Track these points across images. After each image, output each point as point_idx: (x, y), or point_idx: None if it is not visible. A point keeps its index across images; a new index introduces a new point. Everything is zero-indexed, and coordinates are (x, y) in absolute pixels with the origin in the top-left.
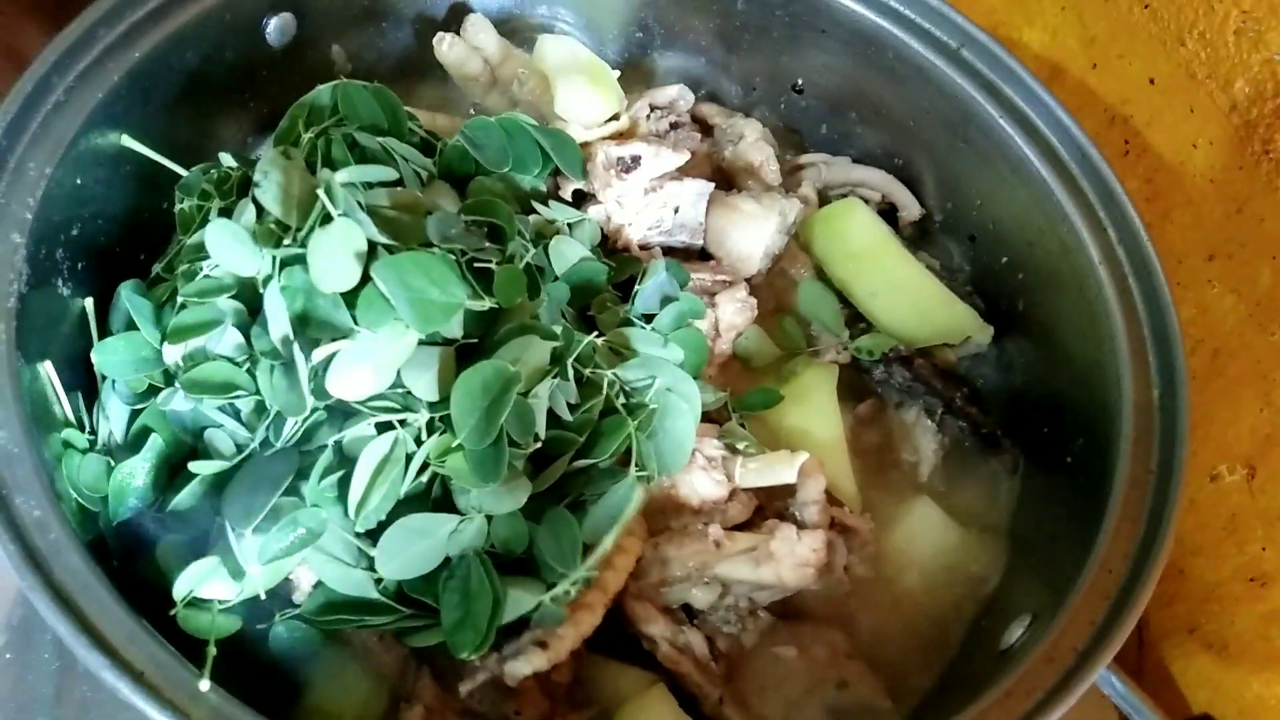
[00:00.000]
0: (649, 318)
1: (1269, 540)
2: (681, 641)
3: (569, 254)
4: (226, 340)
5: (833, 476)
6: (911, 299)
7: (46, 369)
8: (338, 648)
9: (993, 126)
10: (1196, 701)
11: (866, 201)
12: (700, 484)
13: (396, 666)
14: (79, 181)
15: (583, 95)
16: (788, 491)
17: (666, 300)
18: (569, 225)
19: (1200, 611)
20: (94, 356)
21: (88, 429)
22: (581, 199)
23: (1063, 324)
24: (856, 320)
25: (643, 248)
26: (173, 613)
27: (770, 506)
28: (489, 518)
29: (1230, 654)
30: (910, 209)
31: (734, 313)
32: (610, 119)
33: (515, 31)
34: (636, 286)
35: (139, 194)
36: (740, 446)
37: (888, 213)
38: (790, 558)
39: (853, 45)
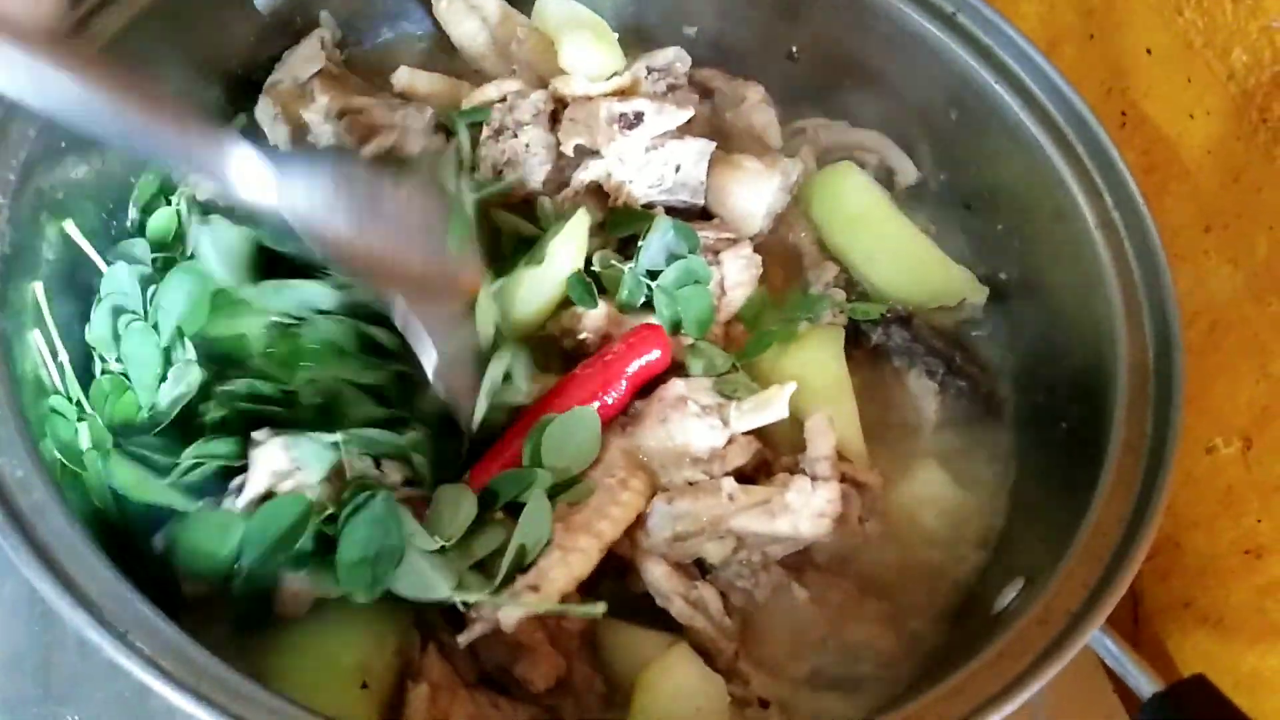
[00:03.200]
0: (653, 275)
1: (1265, 512)
2: (695, 597)
3: None
4: None
5: (841, 434)
6: (907, 261)
7: (35, 337)
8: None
9: (988, 92)
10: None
11: (863, 166)
12: (696, 432)
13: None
14: (63, 145)
15: (588, 49)
16: (797, 448)
17: (672, 258)
18: None
19: (1196, 585)
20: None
21: (74, 398)
22: (583, 154)
23: (1059, 290)
24: (853, 284)
25: (644, 206)
26: None
27: (779, 463)
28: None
29: (1225, 627)
30: (906, 173)
31: (739, 270)
32: (611, 76)
33: None
34: (640, 242)
35: (123, 158)
36: (730, 392)
37: (884, 177)
38: (806, 509)
39: (847, 11)
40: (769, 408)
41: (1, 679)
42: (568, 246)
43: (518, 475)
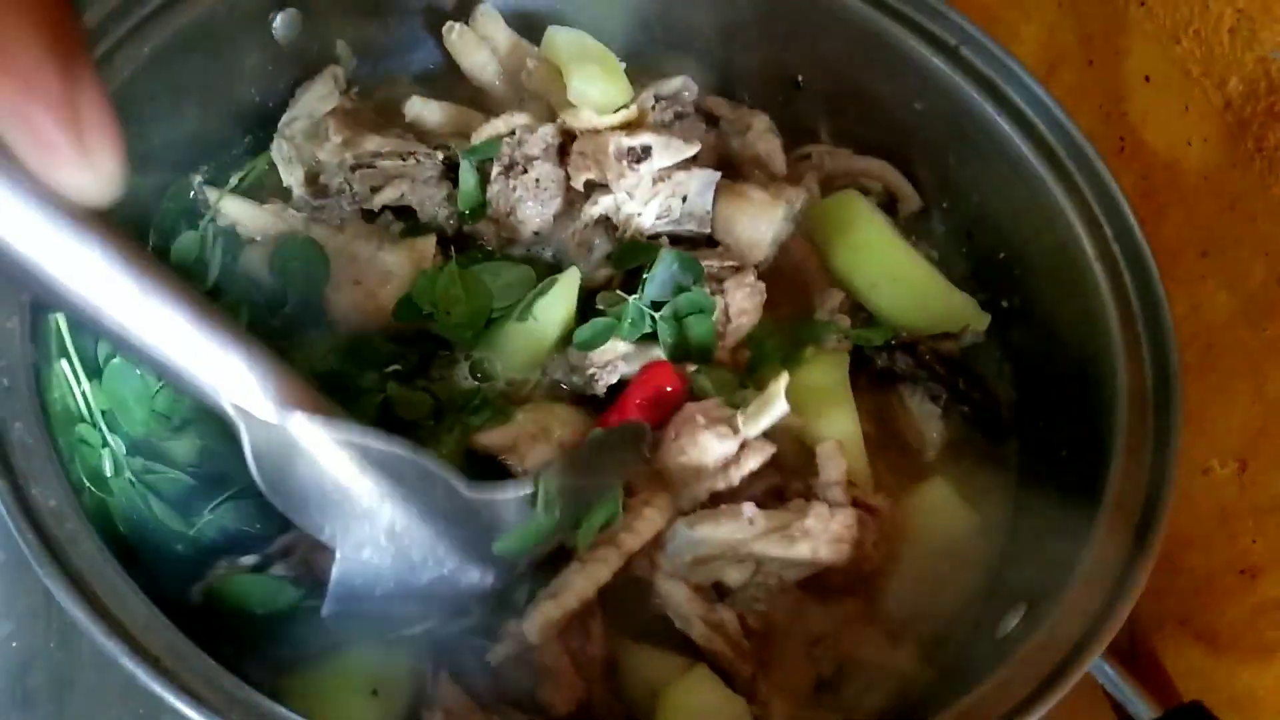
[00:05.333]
0: (658, 306)
1: (1259, 533)
2: (715, 620)
3: None
4: None
5: (848, 460)
6: (910, 289)
7: (63, 366)
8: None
9: (990, 124)
10: (1188, 691)
11: (867, 193)
12: (707, 443)
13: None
14: None
15: (595, 82)
16: (809, 474)
17: (677, 289)
18: None
19: (1192, 603)
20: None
21: (99, 425)
22: (593, 188)
23: (1059, 319)
24: (857, 310)
25: (651, 237)
26: None
27: (790, 488)
28: None
29: (1221, 645)
30: (910, 200)
31: (744, 298)
32: (619, 109)
33: (523, 24)
34: (645, 274)
35: (144, 188)
36: (738, 403)
37: (888, 205)
38: (825, 534)
39: (853, 42)
40: (771, 405)
41: (17, 694)
42: (556, 307)
43: None
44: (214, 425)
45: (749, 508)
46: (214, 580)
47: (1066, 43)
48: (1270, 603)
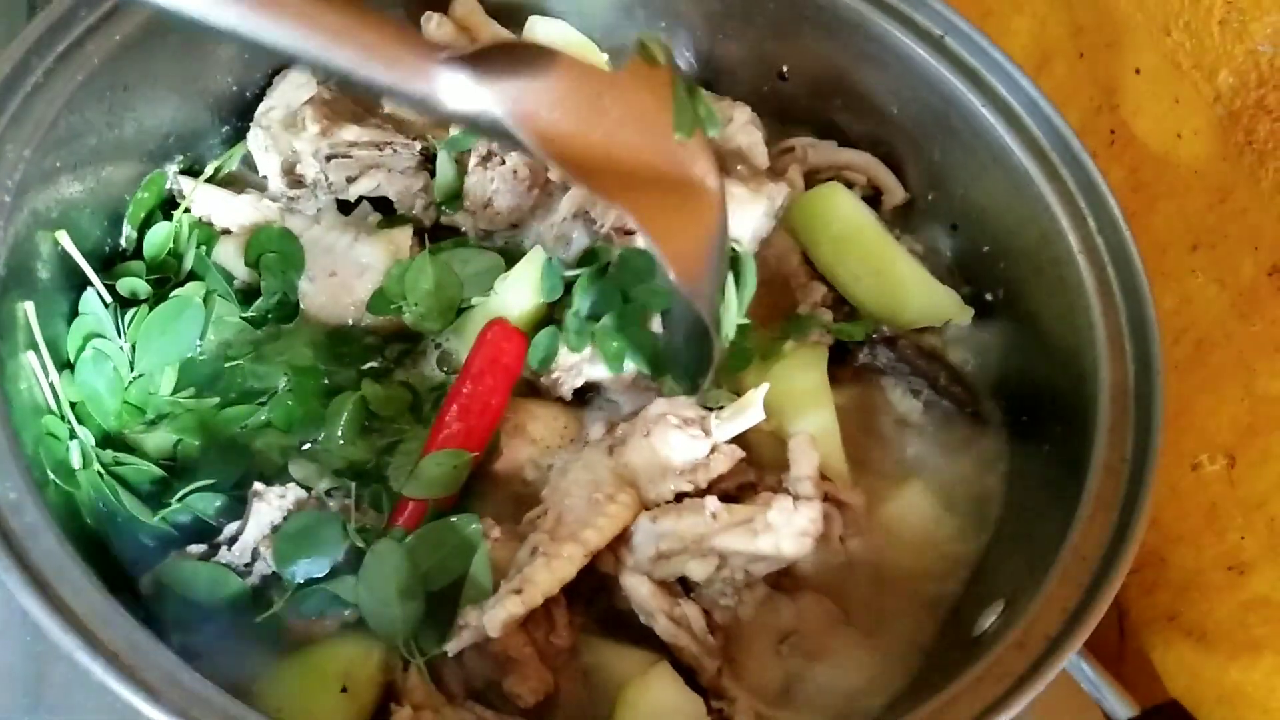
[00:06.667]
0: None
1: (1248, 529)
2: (678, 614)
3: None
4: None
5: (823, 453)
6: (893, 282)
7: (29, 358)
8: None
9: (975, 115)
10: (1175, 689)
11: (851, 185)
12: (678, 443)
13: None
14: (58, 165)
15: None
16: (781, 467)
17: (609, 298)
18: None
19: (1180, 599)
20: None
21: (66, 416)
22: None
23: (1042, 312)
24: (840, 304)
25: (627, 232)
26: None
27: (763, 483)
28: None
29: (1209, 641)
30: (894, 193)
31: None
32: None
33: (504, 13)
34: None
35: (118, 177)
36: (713, 404)
37: (872, 198)
38: (788, 528)
39: (837, 32)
40: (746, 412)
41: None
42: (518, 286)
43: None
44: (189, 418)
45: (711, 501)
46: (161, 569)
47: (1057, 35)
48: (1259, 599)
